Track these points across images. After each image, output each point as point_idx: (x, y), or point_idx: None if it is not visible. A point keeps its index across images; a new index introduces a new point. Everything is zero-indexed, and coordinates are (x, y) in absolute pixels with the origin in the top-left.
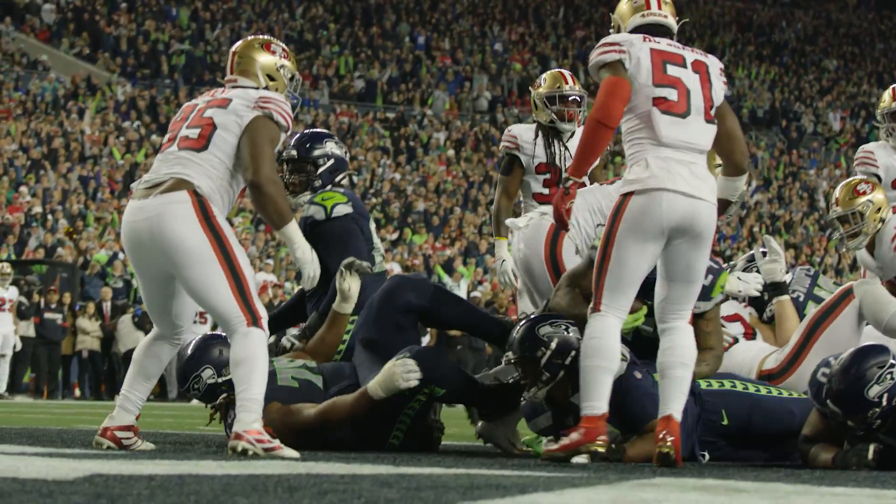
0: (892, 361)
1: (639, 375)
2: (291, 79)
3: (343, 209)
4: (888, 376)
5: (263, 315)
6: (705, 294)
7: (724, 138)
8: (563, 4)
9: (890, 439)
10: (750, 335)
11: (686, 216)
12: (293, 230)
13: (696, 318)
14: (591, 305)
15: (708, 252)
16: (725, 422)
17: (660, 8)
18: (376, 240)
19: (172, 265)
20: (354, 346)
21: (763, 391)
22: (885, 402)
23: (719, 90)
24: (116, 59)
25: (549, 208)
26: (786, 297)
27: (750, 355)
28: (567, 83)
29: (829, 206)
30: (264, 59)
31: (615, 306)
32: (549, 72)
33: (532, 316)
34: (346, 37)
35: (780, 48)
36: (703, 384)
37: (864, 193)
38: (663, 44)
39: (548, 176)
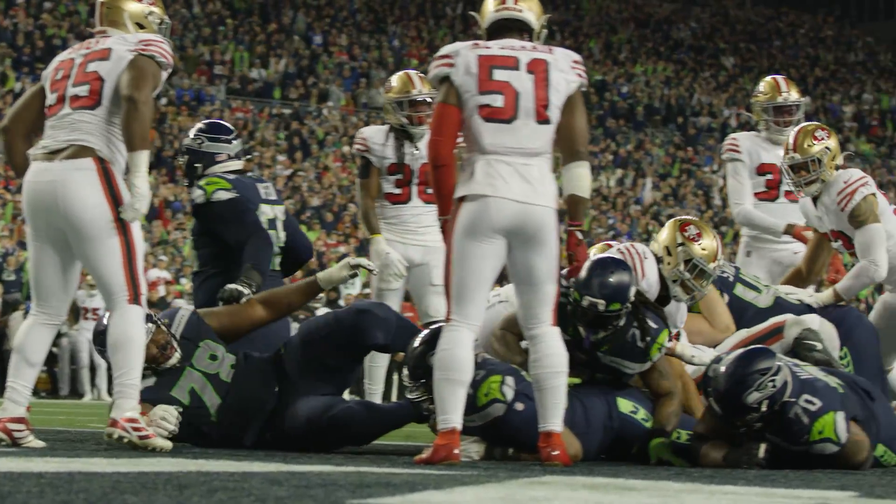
0: (777, 367)
1: (520, 407)
2: (161, 24)
3: (223, 195)
4: (769, 384)
5: (144, 292)
6: (642, 356)
7: (562, 129)
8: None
9: (777, 439)
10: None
11: (516, 220)
12: (143, 159)
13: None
14: (444, 317)
15: (551, 255)
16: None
17: (515, 2)
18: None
19: (73, 231)
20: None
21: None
22: (763, 409)
23: (563, 85)
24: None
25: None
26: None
27: None
28: (415, 87)
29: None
30: (132, 7)
31: (464, 316)
32: (398, 75)
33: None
34: (242, 32)
35: (678, 45)
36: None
37: (822, 140)
38: (494, 48)
39: (399, 176)
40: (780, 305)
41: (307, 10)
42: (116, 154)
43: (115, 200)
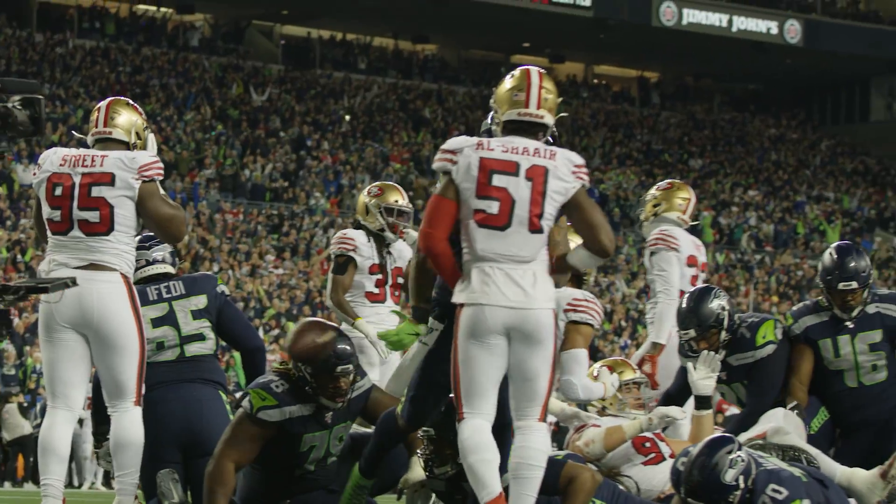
0: (737, 447)
1: None
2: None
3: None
4: (738, 459)
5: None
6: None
7: (583, 227)
8: (441, 108)
9: None
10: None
11: (512, 324)
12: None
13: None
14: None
15: (546, 354)
16: None
17: (538, 107)
18: None
19: (102, 339)
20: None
21: None
22: (742, 484)
23: (561, 194)
24: None
25: None
26: (708, 413)
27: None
28: (403, 198)
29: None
30: (135, 118)
31: (478, 410)
32: (385, 183)
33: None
34: (231, 136)
35: (649, 149)
36: None
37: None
38: (497, 150)
39: (379, 276)
40: None
41: (293, 116)
42: (130, 268)
43: (136, 313)
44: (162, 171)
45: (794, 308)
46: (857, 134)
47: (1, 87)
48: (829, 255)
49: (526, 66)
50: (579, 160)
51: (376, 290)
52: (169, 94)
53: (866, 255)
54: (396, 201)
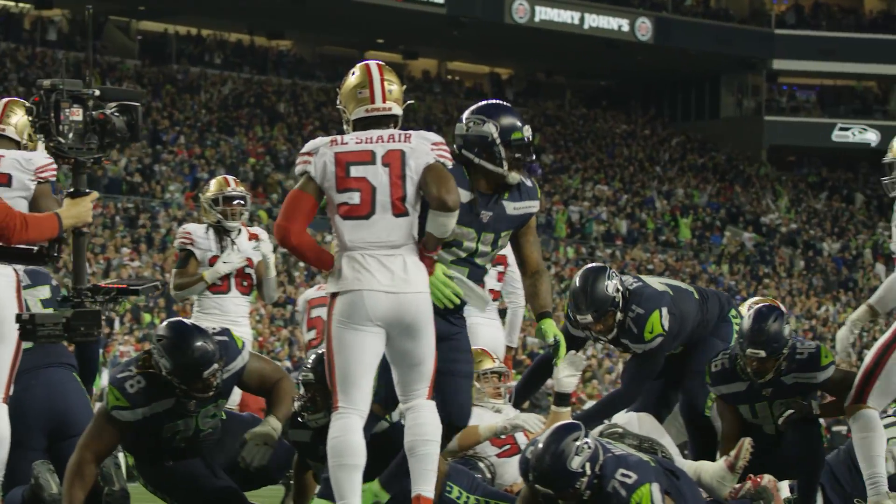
0: (583, 434)
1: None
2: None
3: None
4: (585, 446)
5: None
6: None
7: (426, 186)
8: (295, 103)
9: None
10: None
11: (390, 311)
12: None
13: None
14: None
15: (427, 338)
16: None
17: (384, 101)
18: None
19: None
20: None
21: None
22: (588, 471)
23: (419, 169)
24: None
25: None
26: (567, 410)
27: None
28: (230, 186)
29: None
30: (22, 120)
31: (352, 403)
32: (214, 178)
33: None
34: None
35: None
36: None
37: None
38: (351, 143)
39: None
40: None
41: (149, 112)
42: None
43: (20, 305)
44: (56, 173)
45: (713, 371)
46: (707, 130)
47: (101, 94)
48: (747, 317)
49: (365, 62)
50: (437, 138)
51: (219, 282)
52: (28, 88)
53: (787, 321)
54: (221, 190)
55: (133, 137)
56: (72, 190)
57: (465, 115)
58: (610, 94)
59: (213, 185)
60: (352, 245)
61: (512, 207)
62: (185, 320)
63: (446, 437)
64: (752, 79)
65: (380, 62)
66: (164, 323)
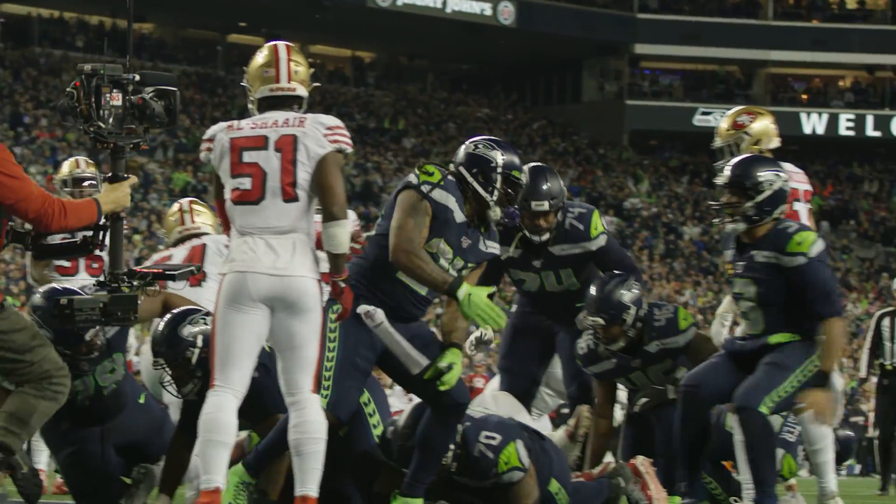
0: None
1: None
2: None
3: None
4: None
5: None
6: None
7: (319, 190)
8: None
9: (467, 479)
10: None
11: (274, 291)
12: None
13: None
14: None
15: (312, 321)
16: None
17: (289, 81)
18: None
19: None
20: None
21: None
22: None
23: (313, 157)
24: None
25: None
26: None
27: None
28: (79, 167)
29: None
30: None
31: (228, 381)
32: (68, 160)
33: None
34: None
35: (364, 129)
36: None
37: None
38: (246, 128)
39: None
40: None
41: (11, 94)
42: None
43: None
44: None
45: (580, 354)
46: (568, 114)
47: (140, 79)
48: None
49: (274, 42)
50: (333, 121)
51: (67, 264)
52: None
53: (631, 288)
54: (71, 172)
55: (171, 122)
56: (110, 175)
57: (479, 139)
58: (472, 78)
59: (66, 166)
60: (243, 230)
61: (484, 244)
62: (58, 286)
63: (456, 419)
64: (614, 63)
65: (289, 44)
66: (38, 294)
